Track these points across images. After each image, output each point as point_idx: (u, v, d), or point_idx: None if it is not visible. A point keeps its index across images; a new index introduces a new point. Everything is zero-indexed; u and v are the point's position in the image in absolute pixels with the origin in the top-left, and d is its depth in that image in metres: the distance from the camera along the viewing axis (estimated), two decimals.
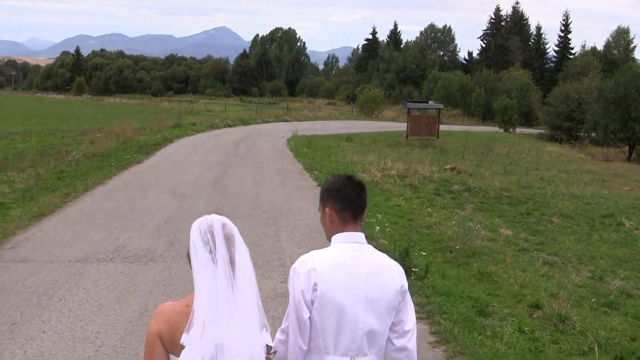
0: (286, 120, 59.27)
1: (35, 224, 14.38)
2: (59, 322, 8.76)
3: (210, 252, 3.35)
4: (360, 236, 3.87)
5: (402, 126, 50.79)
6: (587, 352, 8.23)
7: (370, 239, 13.78)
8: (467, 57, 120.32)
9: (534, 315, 9.74)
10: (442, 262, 12.22)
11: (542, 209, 19.86)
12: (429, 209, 17.69)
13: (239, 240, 3.44)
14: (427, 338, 8.47)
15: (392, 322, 3.85)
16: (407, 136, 44.52)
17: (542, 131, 69.38)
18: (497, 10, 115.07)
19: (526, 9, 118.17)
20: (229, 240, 3.40)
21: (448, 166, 28.78)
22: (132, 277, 10.75)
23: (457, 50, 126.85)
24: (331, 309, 3.70)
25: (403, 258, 11.34)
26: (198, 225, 3.42)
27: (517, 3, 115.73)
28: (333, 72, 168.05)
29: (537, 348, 8.35)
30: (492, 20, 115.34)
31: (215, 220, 3.43)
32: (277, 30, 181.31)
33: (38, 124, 48.25)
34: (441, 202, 19.72)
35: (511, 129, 64.30)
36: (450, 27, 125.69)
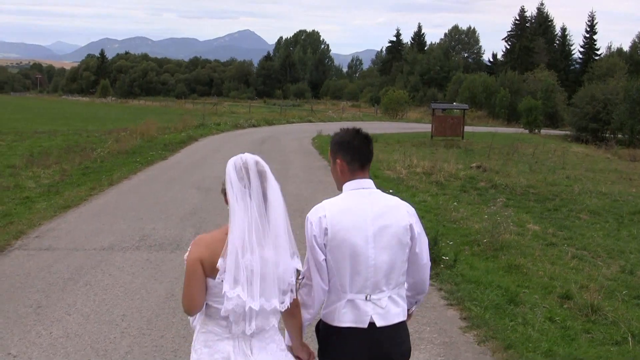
0: (310, 121, 59.28)
1: (61, 215, 14.43)
2: (84, 305, 8.75)
3: (245, 186, 3.70)
4: (368, 182, 4.17)
5: (426, 127, 50.62)
6: (620, 342, 8.09)
7: None
8: (491, 59, 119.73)
9: (565, 306, 9.60)
10: (470, 255, 12.09)
11: (570, 206, 19.67)
12: (455, 204, 17.58)
13: (270, 177, 3.80)
14: (458, 323, 8.38)
15: (407, 259, 4.13)
16: (431, 136, 44.31)
17: (567, 132, 68.89)
18: (522, 11, 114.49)
19: (551, 11, 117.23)
20: (261, 175, 3.75)
21: (474, 164, 28.63)
22: (157, 265, 10.74)
23: (482, 52, 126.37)
24: (343, 249, 3.98)
25: (431, 247, 11.22)
26: (233, 162, 3.77)
27: (542, 4, 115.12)
28: (357, 75, 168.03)
29: (569, 336, 8.22)
30: (516, 22, 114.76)
31: (249, 157, 3.78)
32: (300, 32, 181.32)
33: (63, 124, 48.52)
34: (467, 198, 19.59)
35: (536, 130, 63.86)
36: (474, 28, 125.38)
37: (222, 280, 3.69)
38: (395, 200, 4.20)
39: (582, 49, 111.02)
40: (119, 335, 7.74)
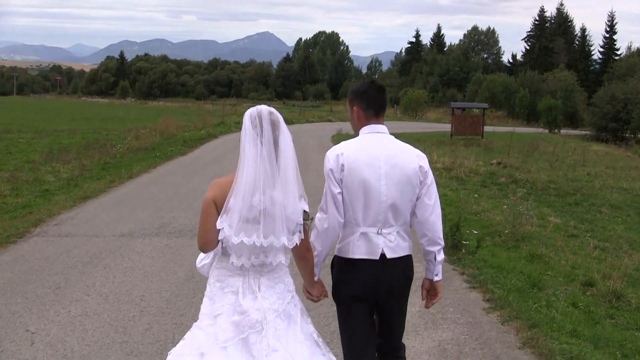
0: (330, 121, 59.26)
1: (80, 205, 14.46)
2: (103, 286, 8.73)
3: (257, 134, 4.07)
4: (382, 128, 4.64)
5: (446, 127, 50.46)
6: None
7: None
8: (510, 60, 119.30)
9: (588, 293, 9.48)
10: (492, 246, 11.98)
11: (591, 200, 19.53)
12: (476, 196, 17.49)
13: (283, 127, 4.18)
14: (481, 305, 8.29)
15: (416, 198, 4.54)
16: (451, 135, 44.13)
17: (587, 133, 68.51)
18: (542, 11, 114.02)
19: (571, 12, 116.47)
20: (274, 124, 4.13)
21: (494, 161, 28.50)
22: (177, 250, 10.72)
23: (501, 53, 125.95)
24: (357, 184, 4.42)
25: (454, 233, 11.16)
26: (249, 112, 4.17)
27: (562, 5, 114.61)
28: (376, 76, 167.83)
29: (592, 319, 8.13)
30: (536, 22, 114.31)
31: (264, 108, 4.15)
32: (320, 34, 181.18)
33: (82, 124, 48.67)
34: (488, 193, 19.49)
35: (556, 130, 63.55)
36: (493, 29, 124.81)
37: (222, 228, 4.09)
38: (407, 145, 4.62)
39: (601, 49, 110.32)
40: (137, 314, 7.70)
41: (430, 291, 4.81)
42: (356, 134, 4.71)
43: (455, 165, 24.48)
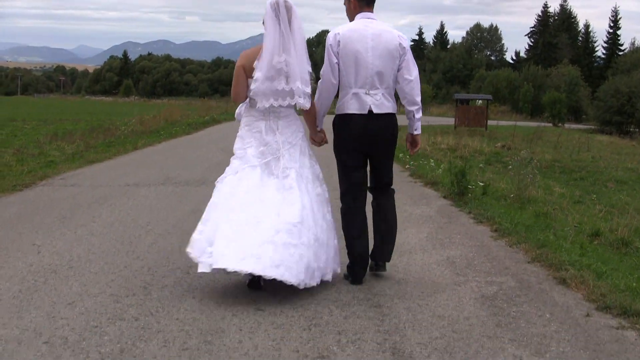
0: (334, 113, 59.21)
1: (86, 167, 14.43)
2: (109, 216, 8.76)
3: (276, 15, 5.66)
4: (372, 15, 5.98)
5: (450, 121, 50.31)
6: None
7: (423, 177, 13.63)
8: (514, 57, 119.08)
9: (595, 242, 9.39)
10: (497, 208, 11.92)
11: (596, 176, 19.50)
12: (481, 165, 17.44)
13: (295, 10, 5.73)
14: (489, 234, 8.24)
15: (398, 67, 5.87)
16: (455, 127, 43.98)
17: (591, 127, 68.29)
18: (545, 7, 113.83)
19: (574, 11, 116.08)
20: (288, 10, 5.69)
21: (498, 144, 28.45)
22: (183, 194, 10.73)
23: (504, 50, 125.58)
24: (350, 55, 5.78)
25: (459, 180, 11.12)
26: (269, 1, 5.69)
27: (565, 1, 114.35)
28: None
29: (602, 254, 8.05)
30: (539, 18, 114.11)
31: None
32: (323, 33, 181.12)
33: (86, 117, 48.62)
34: (493, 169, 19.40)
35: (560, 124, 63.40)
36: (496, 26, 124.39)
37: (255, 79, 5.69)
38: (391, 27, 5.97)
39: (605, 45, 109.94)
40: (143, 233, 7.70)
41: (413, 143, 6.32)
42: (351, 21, 6.04)
43: (460, 146, 24.40)
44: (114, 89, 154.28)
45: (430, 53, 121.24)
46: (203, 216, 5.67)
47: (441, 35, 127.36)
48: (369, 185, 6.20)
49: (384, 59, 5.78)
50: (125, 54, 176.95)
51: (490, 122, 46.56)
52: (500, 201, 11.42)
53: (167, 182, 12.13)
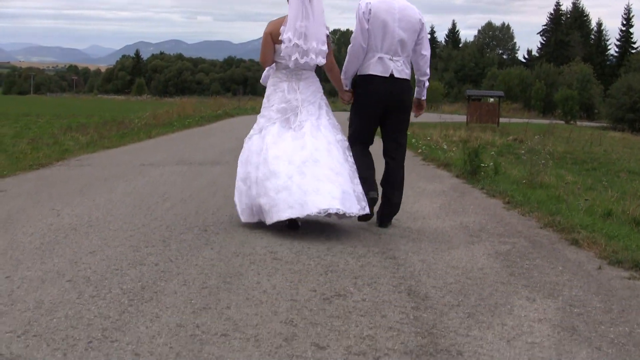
0: (345, 110, 59.33)
1: (101, 152, 14.55)
2: (126, 188, 8.89)
3: None
4: None
5: (462, 118, 50.20)
6: None
7: (436, 160, 13.70)
8: (526, 55, 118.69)
9: (607, 222, 9.42)
10: (509, 185, 11.97)
11: (608, 167, 19.46)
12: (493, 153, 17.46)
13: None
14: (501, 205, 8.30)
15: (416, 40, 6.63)
16: (467, 123, 43.90)
17: (603, 124, 68.04)
18: (557, 5, 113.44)
19: (587, 9, 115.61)
20: None
21: (510, 137, 28.44)
22: (199, 172, 10.84)
23: (516, 48, 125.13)
24: (378, 23, 6.48)
25: (472, 159, 11.18)
26: None
27: (578, 0, 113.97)
28: None
29: (615, 228, 8.07)
30: (551, 16, 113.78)
31: None
32: (335, 32, 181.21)
33: (99, 114, 48.83)
34: (505, 159, 19.41)
35: (572, 121, 63.25)
36: (508, 24, 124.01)
37: (281, 41, 6.45)
38: (413, 5, 6.65)
39: (618, 42, 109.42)
40: (160, 201, 7.80)
41: (419, 106, 7.15)
42: None
43: (472, 138, 24.39)
44: (126, 88, 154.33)
45: (442, 52, 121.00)
46: (239, 171, 6.65)
47: (453, 34, 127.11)
48: (383, 145, 6.88)
49: (407, 31, 6.53)
50: (137, 53, 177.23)
51: (502, 120, 46.50)
52: (513, 185, 11.49)
53: (181, 162, 12.24)
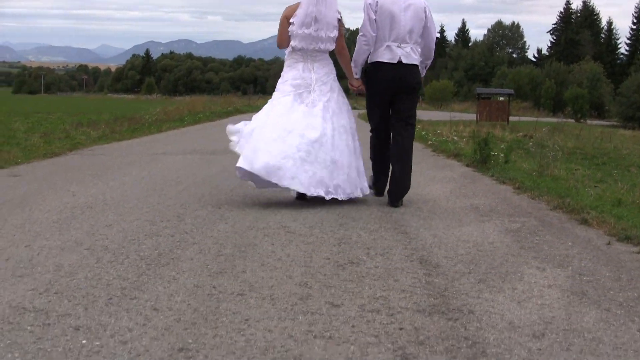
0: (355, 108, 59.21)
1: (113, 143, 14.66)
2: (139, 173, 9.02)
3: None
4: None
5: (472, 117, 50.20)
6: None
7: (446, 151, 13.76)
8: (536, 54, 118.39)
9: (618, 208, 9.45)
10: (519, 173, 12.01)
11: (618, 162, 19.41)
12: (503, 147, 17.49)
13: None
14: (511, 190, 8.35)
15: (424, 28, 6.99)
16: (476, 121, 43.79)
17: (614, 123, 67.91)
18: (567, 4, 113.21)
19: (597, 8, 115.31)
20: None
21: (520, 134, 28.44)
22: (211, 160, 10.97)
23: (526, 47, 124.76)
24: (385, 14, 6.85)
25: (482, 148, 11.24)
26: None
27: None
28: None
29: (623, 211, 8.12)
30: (561, 15, 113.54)
31: None
32: (346, 31, 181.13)
33: (110, 112, 49.02)
34: (515, 154, 19.41)
35: (582, 120, 63.14)
36: (518, 23, 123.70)
37: (292, 23, 6.85)
38: None
39: (628, 41, 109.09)
40: (174, 184, 7.92)
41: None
42: None
43: (482, 133, 24.37)
44: (136, 87, 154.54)
45: (452, 51, 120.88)
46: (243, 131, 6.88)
47: (463, 32, 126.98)
48: (392, 127, 7.20)
49: (414, 20, 6.89)
50: (147, 53, 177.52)
51: (511, 119, 46.42)
52: (523, 174, 11.53)
53: (193, 152, 12.36)
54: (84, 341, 2.86)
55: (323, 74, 6.95)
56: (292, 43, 6.86)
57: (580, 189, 8.90)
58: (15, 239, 4.79)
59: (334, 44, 6.97)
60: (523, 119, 53.37)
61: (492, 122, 42.53)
